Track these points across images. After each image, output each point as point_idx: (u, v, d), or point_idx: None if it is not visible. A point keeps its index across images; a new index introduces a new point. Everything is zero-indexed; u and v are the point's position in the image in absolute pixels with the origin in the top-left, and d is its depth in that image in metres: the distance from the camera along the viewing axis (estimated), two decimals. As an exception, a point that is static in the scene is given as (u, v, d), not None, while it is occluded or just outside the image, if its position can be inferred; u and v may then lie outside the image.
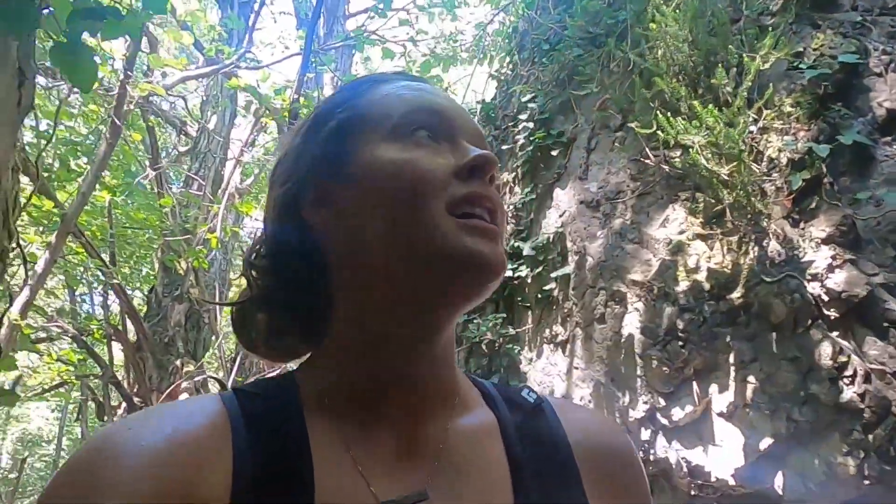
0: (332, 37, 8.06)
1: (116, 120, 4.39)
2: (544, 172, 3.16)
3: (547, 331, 2.94)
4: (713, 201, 2.36)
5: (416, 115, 0.60)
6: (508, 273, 3.10)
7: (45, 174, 5.88)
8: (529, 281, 3.04)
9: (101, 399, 7.06)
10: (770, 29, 2.39)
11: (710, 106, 2.23)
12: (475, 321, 3.27)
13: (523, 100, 3.33)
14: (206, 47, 6.79)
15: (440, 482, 0.56)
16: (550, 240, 2.95)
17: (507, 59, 3.87)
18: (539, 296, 2.97)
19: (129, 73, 4.44)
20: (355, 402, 0.58)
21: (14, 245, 1.27)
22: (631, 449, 0.67)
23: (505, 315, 3.13)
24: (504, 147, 3.48)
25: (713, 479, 2.17)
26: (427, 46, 7.51)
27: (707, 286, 2.26)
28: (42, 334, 7.18)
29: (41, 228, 5.83)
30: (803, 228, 2.14)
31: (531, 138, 3.17)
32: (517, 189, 3.31)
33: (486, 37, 5.97)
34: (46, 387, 8.06)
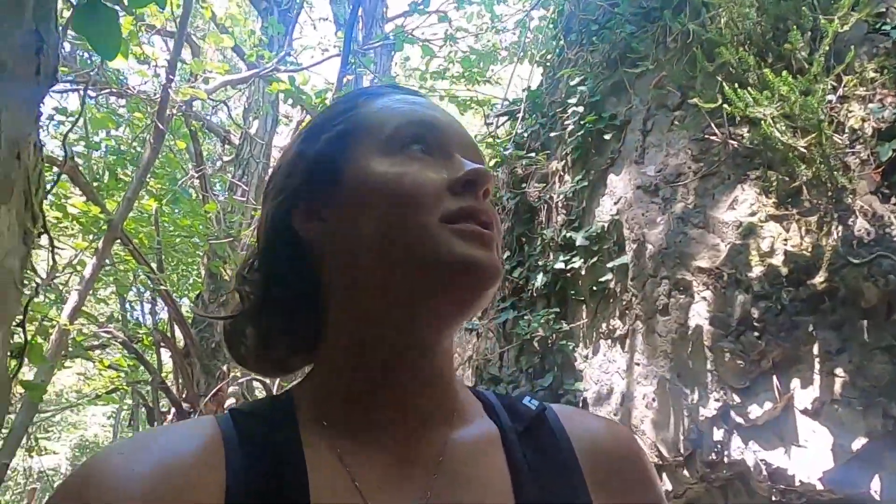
0: (371, 39, 8.02)
1: (159, 124, 4.39)
2: (596, 158, 2.99)
3: (604, 325, 2.76)
4: (787, 179, 2.16)
5: (409, 128, 0.59)
6: (560, 265, 2.94)
7: (94, 183, 5.98)
8: (583, 273, 2.87)
9: (150, 405, 7.14)
10: (848, -11, 2.18)
11: (784, 73, 2.03)
12: (525, 317, 3.12)
13: (572, 83, 3.16)
14: (246, 53, 6.82)
15: (439, 494, 0.55)
16: (605, 228, 2.78)
17: (553, 44, 3.71)
18: (594, 288, 2.80)
19: (170, 76, 4.44)
20: (351, 417, 0.58)
21: (40, 229, 1.18)
22: (639, 450, 0.66)
23: (557, 310, 2.96)
24: (552, 134, 3.31)
25: (797, 484, 1.97)
26: (466, 44, 7.40)
27: (784, 271, 2.06)
28: (94, 342, 7.30)
29: (91, 236, 5.91)
30: (895, 204, 1.93)
31: (582, 123, 3.00)
32: (567, 177, 3.14)
33: (527, 33, 5.81)
34: (99, 393, 8.21)
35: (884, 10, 2.16)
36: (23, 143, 1.11)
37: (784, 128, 2.08)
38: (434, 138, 0.60)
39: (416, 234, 0.54)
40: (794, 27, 2.10)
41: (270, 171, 0.69)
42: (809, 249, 2.04)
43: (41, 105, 1.22)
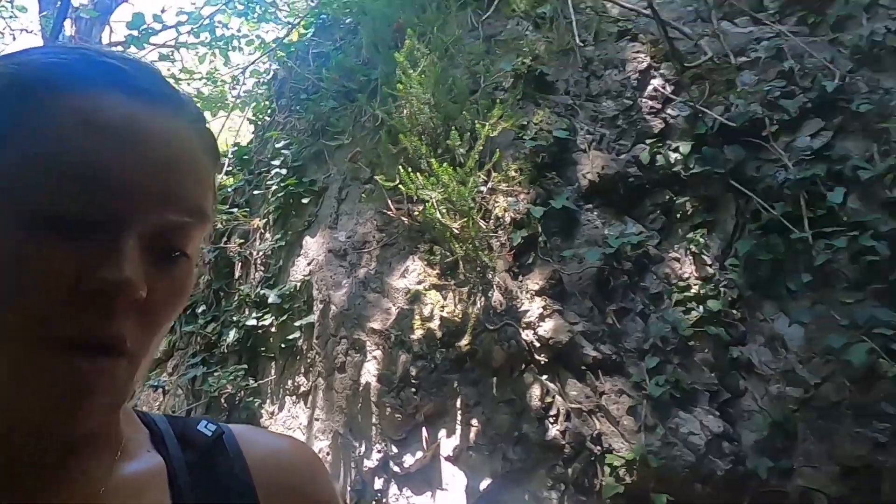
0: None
1: None
2: (295, 220, 3.12)
3: (290, 382, 2.84)
4: (448, 254, 2.50)
5: (64, 186, 0.41)
6: (252, 322, 2.96)
7: None
8: (273, 330, 2.93)
9: None
10: (500, 102, 2.66)
11: (446, 164, 2.39)
12: (215, 373, 3.05)
13: (278, 146, 3.29)
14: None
15: None
16: (297, 288, 2.89)
17: (266, 105, 3.82)
18: (283, 346, 2.87)
19: None
20: None
21: None
22: (315, 463, 0.63)
23: (246, 366, 2.96)
24: (256, 192, 3.38)
25: (440, 525, 2.22)
26: (195, 87, 7.15)
27: (439, 334, 2.36)
28: None
29: None
30: (521, 281, 2.35)
31: (284, 185, 3.12)
32: (268, 235, 3.21)
33: (243, 81, 5.82)
34: None
35: (525, 123, 2.67)
36: None
37: (445, 210, 2.42)
38: (99, 205, 0.42)
39: (10, 362, 0.42)
40: (454, 127, 2.49)
41: None
42: (459, 316, 2.37)
43: None
